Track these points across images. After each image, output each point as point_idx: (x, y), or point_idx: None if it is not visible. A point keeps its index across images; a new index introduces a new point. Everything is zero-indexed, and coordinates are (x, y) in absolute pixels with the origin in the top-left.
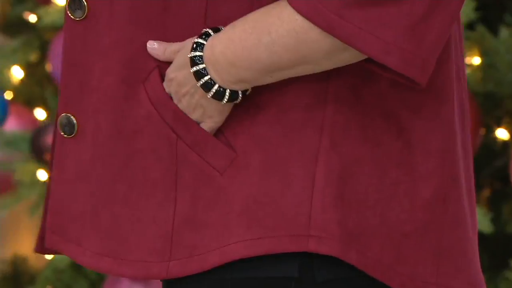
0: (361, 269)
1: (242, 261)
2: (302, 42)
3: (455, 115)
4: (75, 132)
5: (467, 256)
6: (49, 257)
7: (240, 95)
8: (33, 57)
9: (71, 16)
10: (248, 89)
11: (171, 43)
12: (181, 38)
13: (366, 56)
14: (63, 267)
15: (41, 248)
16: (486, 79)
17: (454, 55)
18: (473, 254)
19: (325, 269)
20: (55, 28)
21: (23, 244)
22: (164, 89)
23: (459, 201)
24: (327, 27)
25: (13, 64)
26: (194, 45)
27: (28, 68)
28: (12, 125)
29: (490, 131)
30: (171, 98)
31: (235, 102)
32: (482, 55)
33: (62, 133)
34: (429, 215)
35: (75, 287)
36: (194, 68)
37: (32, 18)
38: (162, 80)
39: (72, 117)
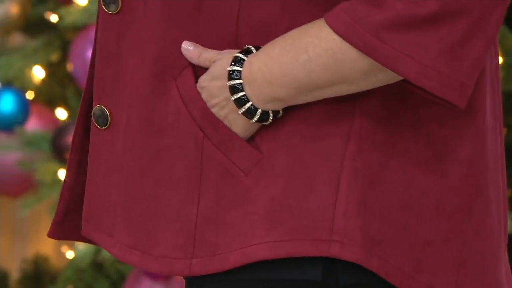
0: (381, 276)
1: (266, 263)
2: (340, 62)
3: (487, 123)
4: (108, 124)
5: (488, 267)
6: (70, 256)
7: (271, 118)
8: (54, 57)
9: (105, 9)
10: (280, 112)
11: (207, 49)
12: (213, 38)
13: (403, 77)
14: (84, 266)
15: (55, 233)
16: (508, 79)
17: (489, 62)
18: (495, 265)
19: (348, 273)
20: (76, 28)
21: (45, 244)
22: (195, 86)
23: (485, 211)
24: (365, 49)
25: (35, 64)
26: (234, 60)
27: (49, 68)
28: (33, 124)
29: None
30: (200, 96)
31: (264, 123)
32: (503, 54)
33: (96, 125)
34: (452, 224)
35: (96, 287)
36: (231, 82)
37: (53, 18)
38: (195, 77)
39: (105, 109)
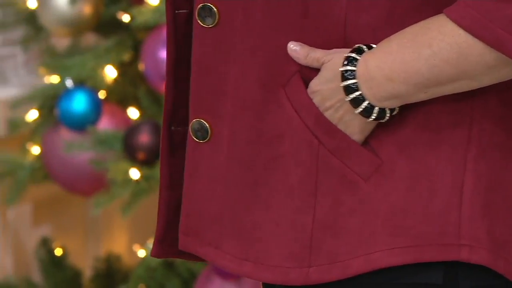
0: (508, 277)
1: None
2: (465, 56)
3: None
4: (208, 137)
5: None
6: (142, 255)
7: (388, 115)
8: (126, 56)
9: (201, 24)
10: (396, 109)
11: (314, 48)
12: (320, 43)
13: None
14: (155, 265)
15: (158, 251)
16: None
17: None
18: None
19: (469, 277)
20: (148, 28)
21: (117, 243)
22: (307, 93)
23: None
24: (494, 43)
25: (107, 63)
26: (346, 60)
27: (121, 67)
28: (105, 124)
29: None
30: (313, 103)
31: (381, 121)
32: None
33: (195, 138)
34: None
35: (167, 286)
36: (345, 83)
37: (126, 18)
38: (304, 84)
39: (204, 122)
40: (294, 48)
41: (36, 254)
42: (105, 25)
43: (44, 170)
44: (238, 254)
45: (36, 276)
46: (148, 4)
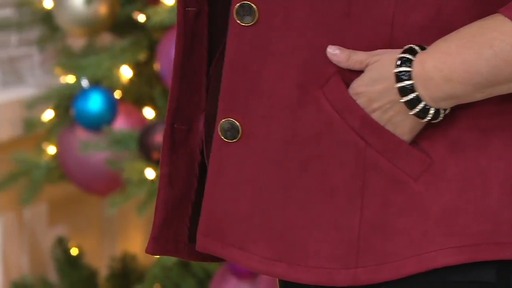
0: None
1: None
2: None
3: None
4: (238, 137)
5: None
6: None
7: (441, 116)
8: (142, 56)
9: (239, 23)
10: (447, 109)
11: (355, 51)
12: (363, 44)
13: None
14: (171, 265)
15: (153, 248)
16: None
17: None
18: None
19: None
20: (164, 28)
21: (132, 242)
22: (349, 94)
23: None
24: None
25: (122, 63)
26: (400, 60)
27: (137, 67)
28: (120, 124)
29: None
30: (357, 104)
31: (434, 121)
32: None
33: (223, 138)
34: None
35: (182, 285)
36: (400, 84)
37: (141, 17)
38: (344, 85)
39: (235, 122)
40: (334, 52)
41: (52, 253)
42: (120, 25)
43: (59, 170)
44: (268, 255)
45: (52, 275)
46: (164, 4)
